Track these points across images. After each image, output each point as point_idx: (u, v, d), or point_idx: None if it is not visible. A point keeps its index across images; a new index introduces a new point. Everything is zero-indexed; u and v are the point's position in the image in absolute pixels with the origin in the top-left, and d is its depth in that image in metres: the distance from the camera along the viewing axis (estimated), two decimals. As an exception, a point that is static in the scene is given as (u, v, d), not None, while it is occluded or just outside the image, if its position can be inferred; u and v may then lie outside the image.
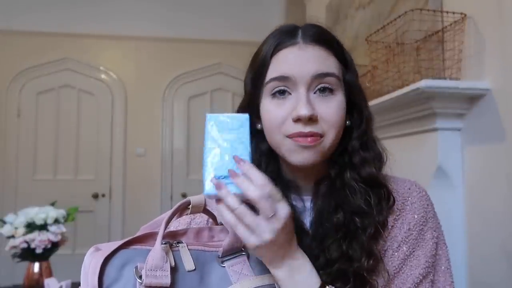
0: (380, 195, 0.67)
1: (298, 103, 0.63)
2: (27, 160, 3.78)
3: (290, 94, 0.65)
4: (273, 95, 0.66)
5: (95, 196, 3.88)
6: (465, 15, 1.42)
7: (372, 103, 1.65)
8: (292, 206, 0.68)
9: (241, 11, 4.07)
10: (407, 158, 1.57)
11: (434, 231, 0.70)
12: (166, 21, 3.99)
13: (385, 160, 0.71)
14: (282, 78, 0.64)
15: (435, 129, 1.47)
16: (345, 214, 0.65)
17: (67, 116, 3.89)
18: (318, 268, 0.61)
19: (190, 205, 0.58)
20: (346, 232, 0.64)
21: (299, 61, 0.64)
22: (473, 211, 1.43)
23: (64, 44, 3.88)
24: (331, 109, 0.64)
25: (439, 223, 0.72)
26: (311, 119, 0.62)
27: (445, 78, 1.44)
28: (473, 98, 1.41)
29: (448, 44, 1.47)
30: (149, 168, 3.99)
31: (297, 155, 0.65)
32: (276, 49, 0.66)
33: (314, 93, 0.64)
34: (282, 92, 0.65)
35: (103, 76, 3.99)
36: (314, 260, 0.62)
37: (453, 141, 1.47)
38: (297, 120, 0.63)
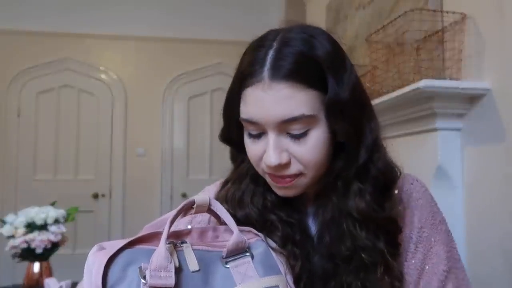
0: (385, 225, 0.62)
1: (267, 148, 0.59)
2: (27, 160, 3.78)
3: (264, 133, 0.60)
4: (248, 135, 0.62)
5: (95, 196, 3.88)
6: (465, 15, 1.42)
7: (372, 103, 1.65)
8: (296, 212, 0.67)
9: (241, 11, 4.06)
10: (407, 158, 1.57)
11: (443, 224, 0.69)
12: (166, 21, 3.98)
13: (397, 177, 0.66)
14: (251, 122, 0.60)
15: (435, 129, 1.48)
16: (351, 248, 0.61)
17: (67, 116, 3.88)
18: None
19: (195, 205, 0.57)
20: (357, 264, 0.61)
21: (263, 105, 0.57)
22: (473, 211, 1.43)
23: (64, 44, 3.88)
24: (304, 150, 0.59)
25: (443, 214, 0.71)
26: (281, 166, 0.59)
27: (445, 78, 1.44)
28: (473, 98, 1.41)
29: (448, 44, 1.47)
30: (149, 168, 3.99)
31: (278, 191, 0.64)
32: (242, 85, 0.60)
33: (287, 132, 0.59)
34: (256, 135, 0.61)
35: (103, 76, 3.99)
36: (324, 274, 0.62)
37: (453, 141, 1.47)
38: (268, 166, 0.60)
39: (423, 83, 1.35)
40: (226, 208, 0.65)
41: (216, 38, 4.03)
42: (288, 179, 0.61)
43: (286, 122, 0.57)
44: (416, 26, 1.50)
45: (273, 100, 0.57)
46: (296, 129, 0.58)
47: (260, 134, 0.61)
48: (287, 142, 0.59)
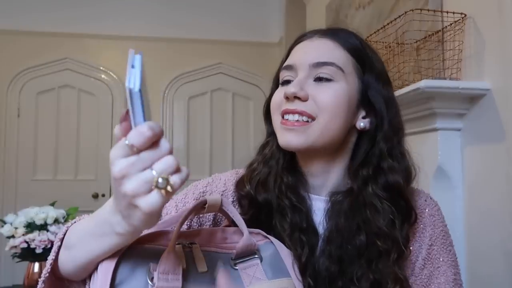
0: (403, 212, 0.64)
1: (293, 83, 0.66)
2: (27, 160, 3.77)
3: (293, 80, 0.67)
4: (281, 83, 0.69)
5: (95, 196, 3.87)
6: (465, 15, 1.42)
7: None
8: (303, 200, 0.68)
9: (241, 11, 4.06)
10: (407, 158, 1.57)
11: (452, 246, 0.70)
12: (166, 21, 3.98)
13: (414, 175, 0.69)
14: (288, 67, 0.67)
15: (435, 129, 1.47)
16: (367, 236, 0.62)
17: (67, 116, 3.88)
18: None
19: (206, 205, 0.57)
20: (369, 256, 0.62)
21: (304, 50, 0.68)
22: (473, 211, 1.43)
23: (64, 44, 3.87)
24: (325, 92, 0.64)
25: (451, 237, 0.71)
26: (298, 97, 0.63)
27: (445, 78, 1.44)
28: (473, 98, 1.41)
29: (448, 44, 1.47)
30: (149, 168, 3.98)
31: (282, 136, 0.65)
32: (292, 47, 0.71)
33: (314, 80, 0.65)
34: (287, 81, 0.67)
35: (103, 76, 3.99)
36: (329, 276, 0.62)
37: (453, 141, 1.47)
38: (286, 98, 0.65)
39: (423, 83, 1.35)
40: (247, 190, 0.68)
41: (216, 38, 4.02)
42: (297, 123, 0.63)
43: (317, 66, 0.65)
44: (416, 26, 1.50)
45: (314, 46, 0.67)
46: (323, 73, 0.65)
47: (289, 81, 0.67)
48: (310, 83, 0.65)
